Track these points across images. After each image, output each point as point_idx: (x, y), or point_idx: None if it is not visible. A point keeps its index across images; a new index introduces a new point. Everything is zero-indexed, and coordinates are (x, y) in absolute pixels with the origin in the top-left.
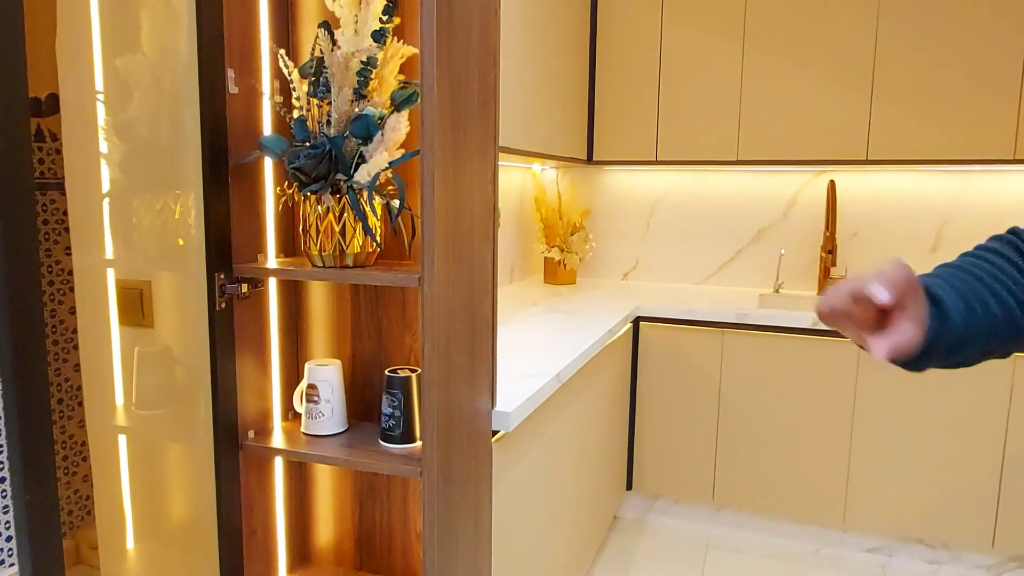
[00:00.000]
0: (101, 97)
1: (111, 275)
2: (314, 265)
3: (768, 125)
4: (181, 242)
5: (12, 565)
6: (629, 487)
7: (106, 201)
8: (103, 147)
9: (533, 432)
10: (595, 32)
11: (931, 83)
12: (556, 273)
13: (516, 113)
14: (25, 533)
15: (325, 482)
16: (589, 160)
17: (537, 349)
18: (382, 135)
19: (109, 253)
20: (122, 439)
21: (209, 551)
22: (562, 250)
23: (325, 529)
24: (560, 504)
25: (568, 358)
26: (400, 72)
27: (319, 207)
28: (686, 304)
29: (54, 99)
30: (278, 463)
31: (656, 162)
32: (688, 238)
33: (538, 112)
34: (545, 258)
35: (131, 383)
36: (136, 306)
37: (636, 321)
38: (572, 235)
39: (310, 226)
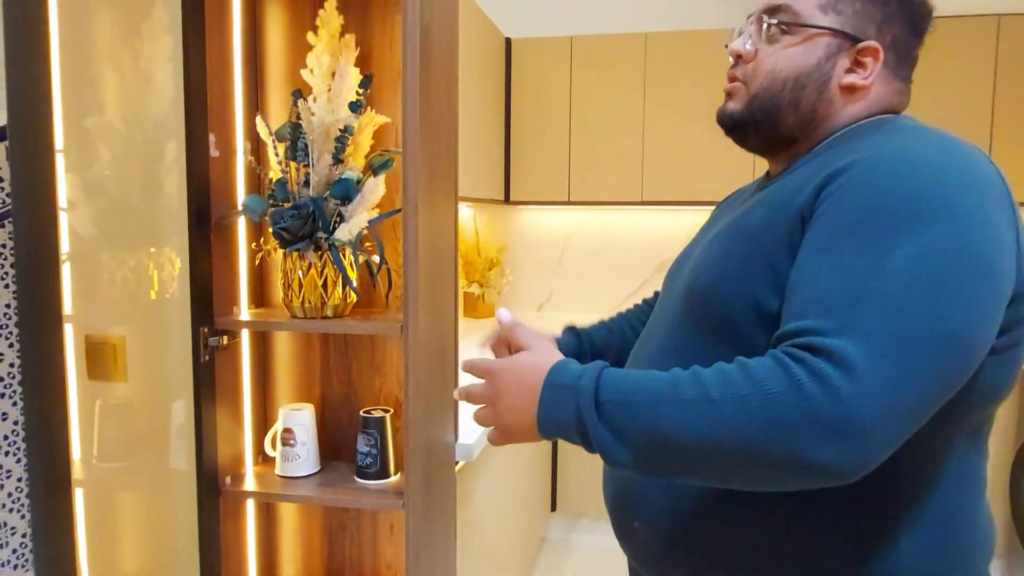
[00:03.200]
0: (61, 156)
1: (69, 330)
2: (295, 316)
3: (668, 169)
4: (153, 296)
5: None
6: (553, 508)
7: (68, 260)
8: (63, 202)
9: (485, 462)
10: (509, 84)
11: None
12: (476, 307)
13: None
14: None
15: (293, 522)
16: (506, 200)
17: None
18: (361, 196)
19: (68, 308)
20: (79, 492)
21: None
22: (481, 285)
23: (294, 568)
24: (501, 528)
25: None
26: (372, 138)
27: (301, 263)
28: None
29: None
30: (250, 506)
31: (568, 202)
32: (597, 271)
33: (464, 161)
34: (465, 293)
35: (93, 435)
36: (111, 360)
37: None
38: (490, 270)
39: (292, 280)
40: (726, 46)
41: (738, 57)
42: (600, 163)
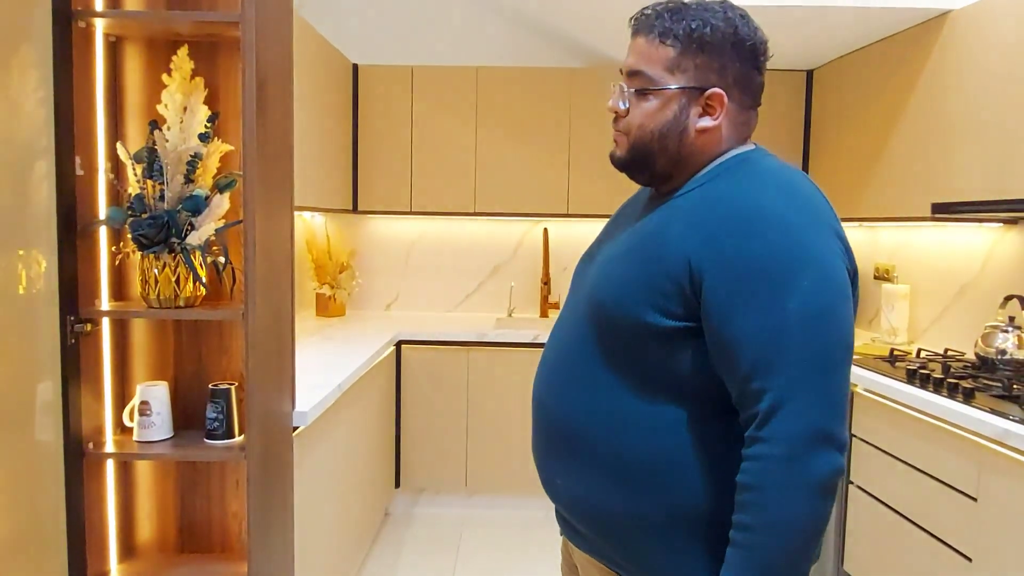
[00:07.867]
0: None
1: None
2: (151, 307)
3: (497, 184)
4: (21, 291)
5: None
6: (397, 485)
7: None
8: None
9: (322, 431)
10: (357, 106)
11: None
12: (328, 307)
13: (297, 175)
14: None
15: (149, 483)
16: (355, 210)
17: (320, 369)
18: (209, 210)
19: None
20: None
21: (55, 551)
22: (332, 287)
23: (150, 523)
24: (343, 495)
25: (346, 373)
26: (219, 162)
27: (157, 263)
28: (437, 329)
29: None
30: (110, 467)
31: (411, 212)
32: (439, 274)
33: (315, 173)
34: (317, 294)
35: None
36: None
37: (398, 344)
38: (341, 273)
39: (149, 277)
40: (610, 104)
41: (616, 113)
42: (438, 177)
